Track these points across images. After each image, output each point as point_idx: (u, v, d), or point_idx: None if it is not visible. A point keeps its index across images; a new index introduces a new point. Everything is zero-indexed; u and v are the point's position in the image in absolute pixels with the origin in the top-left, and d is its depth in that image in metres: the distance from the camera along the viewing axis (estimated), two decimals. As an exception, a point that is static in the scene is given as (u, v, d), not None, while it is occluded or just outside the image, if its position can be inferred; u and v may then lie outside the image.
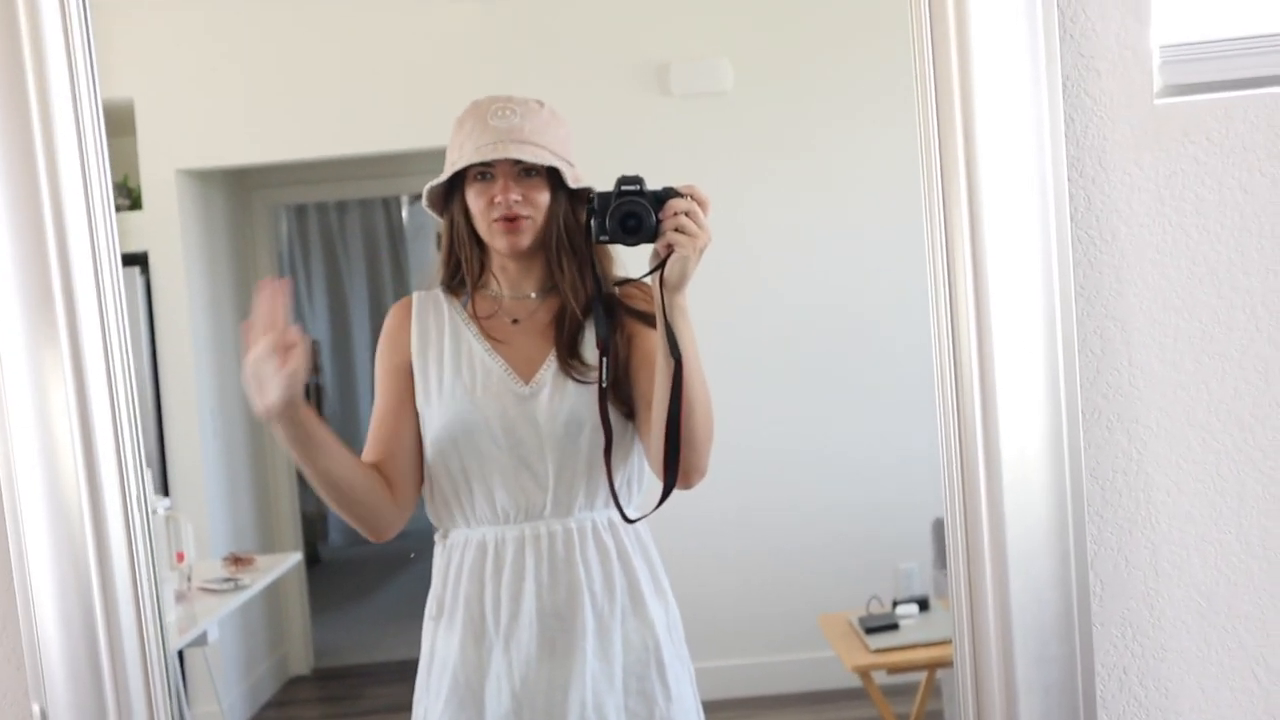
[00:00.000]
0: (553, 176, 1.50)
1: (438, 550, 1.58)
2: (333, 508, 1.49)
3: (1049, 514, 0.96)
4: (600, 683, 1.50)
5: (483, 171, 1.49)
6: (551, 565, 1.51)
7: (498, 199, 1.48)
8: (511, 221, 1.49)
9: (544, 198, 1.49)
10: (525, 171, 1.49)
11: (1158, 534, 1.02)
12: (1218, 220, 1.01)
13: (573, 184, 1.49)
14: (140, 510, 1.01)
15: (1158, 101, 1.01)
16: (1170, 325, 1.01)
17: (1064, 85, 0.98)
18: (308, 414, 1.36)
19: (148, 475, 1.01)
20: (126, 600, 1.01)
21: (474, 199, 1.51)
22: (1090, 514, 1.00)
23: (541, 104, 1.52)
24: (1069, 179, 0.98)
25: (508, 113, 1.49)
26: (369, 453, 1.53)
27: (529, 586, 1.50)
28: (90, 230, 0.98)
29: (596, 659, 1.51)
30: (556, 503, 1.51)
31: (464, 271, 1.56)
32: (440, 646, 1.56)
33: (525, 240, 1.50)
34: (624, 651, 1.53)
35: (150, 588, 1.00)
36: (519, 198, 1.48)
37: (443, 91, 3.66)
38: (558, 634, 1.50)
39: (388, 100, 3.79)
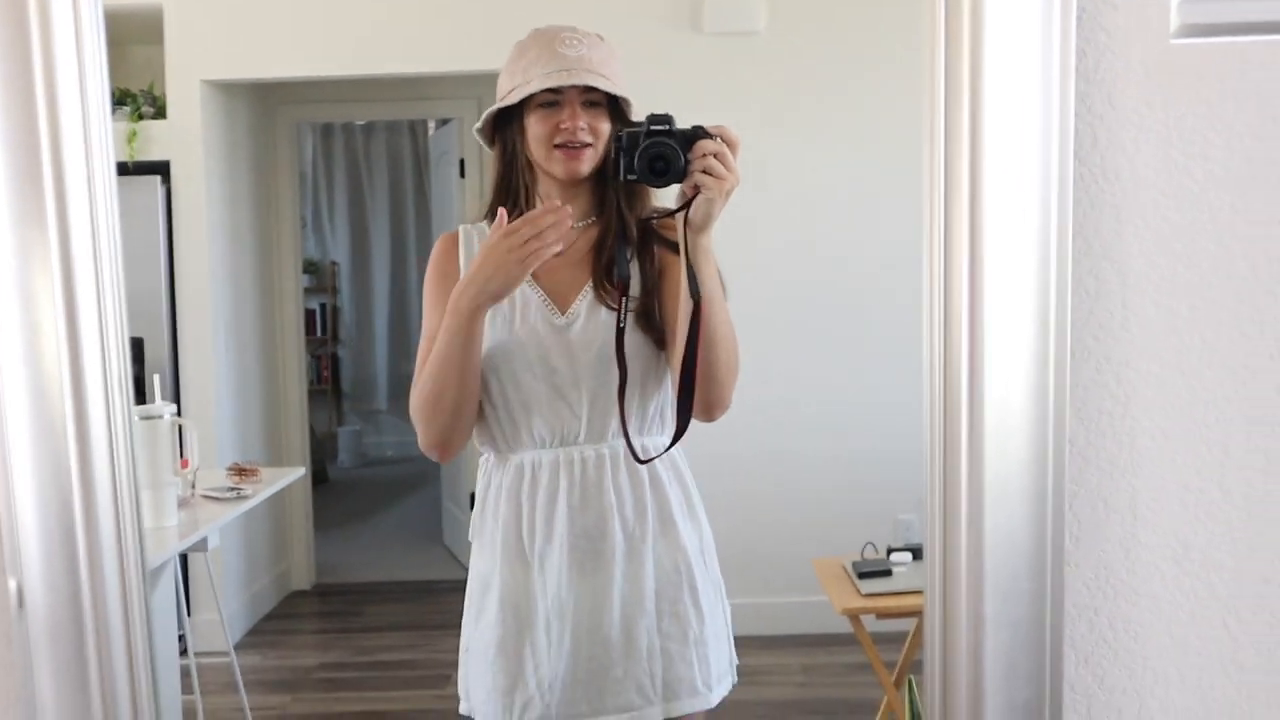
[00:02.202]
0: (611, 107, 1.52)
1: (480, 474, 1.61)
2: (444, 413, 1.50)
3: (1029, 450, 0.95)
4: (630, 604, 1.53)
5: (548, 100, 1.50)
6: (584, 489, 1.53)
7: (564, 125, 1.50)
8: (575, 149, 1.50)
9: (606, 127, 1.52)
10: (590, 101, 1.50)
11: (1139, 479, 1.01)
12: (1224, 166, 0.99)
13: (632, 117, 1.51)
14: (121, 394, 1.01)
15: (1173, 41, 0.99)
16: (1168, 269, 1.00)
17: (1078, 18, 0.96)
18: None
19: (129, 363, 1.01)
20: (104, 487, 1.01)
21: (537, 124, 1.52)
22: (1072, 454, 1.00)
23: (602, 38, 1.53)
24: (1076, 114, 0.97)
25: (575, 42, 1.50)
26: None
27: (561, 509, 1.53)
28: (84, 126, 0.97)
29: (626, 580, 1.53)
30: (590, 429, 1.53)
31: (514, 200, 1.57)
32: (482, 567, 1.60)
33: (585, 168, 1.52)
34: (655, 574, 1.55)
35: (128, 467, 1.00)
36: (585, 125, 1.49)
37: (475, 18, 3.64)
38: (588, 555, 1.52)
39: (419, 23, 3.78)
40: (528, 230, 1.39)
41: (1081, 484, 1.01)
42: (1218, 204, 1.00)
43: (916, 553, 2.92)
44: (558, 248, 1.40)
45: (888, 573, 2.84)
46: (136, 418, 1.23)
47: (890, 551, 2.92)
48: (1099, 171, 0.99)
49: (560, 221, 1.39)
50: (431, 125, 6.42)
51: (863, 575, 2.82)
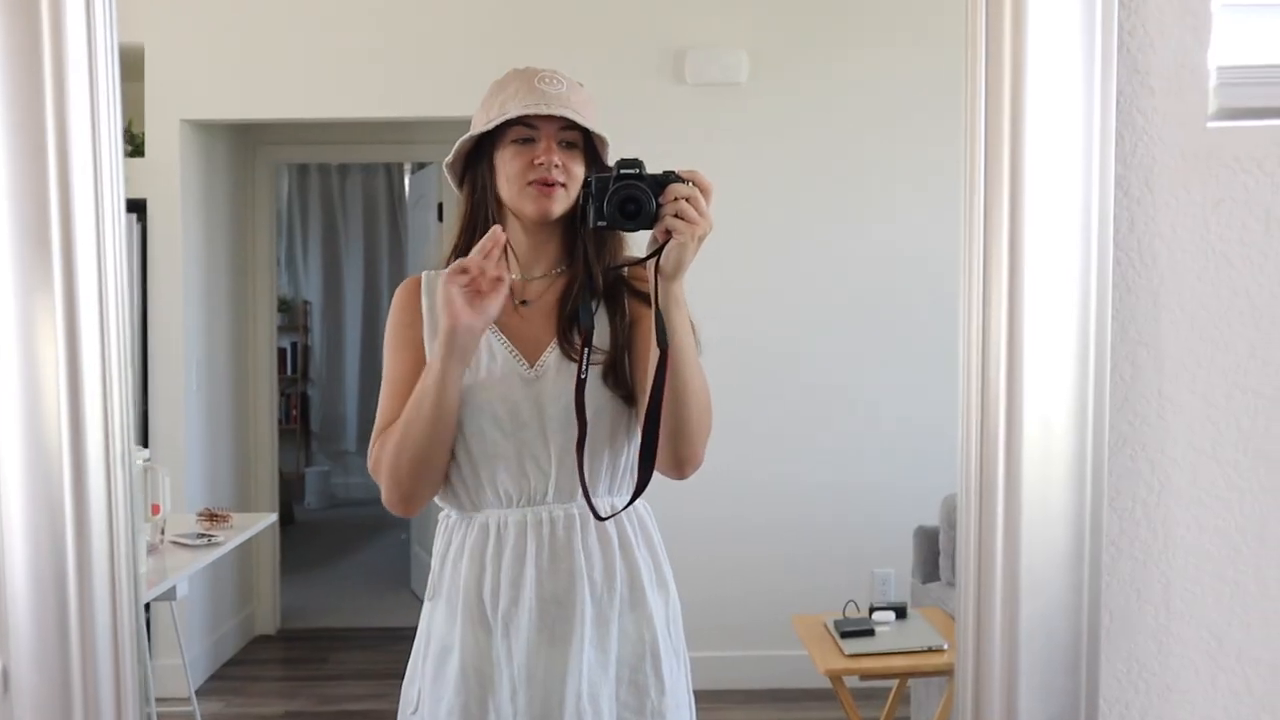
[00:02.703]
0: (588, 154, 1.49)
1: (439, 532, 1.55)
2: (413, 460, 1.44)
3: (1066, 541, 0.93)
4: (595, 671, 1.48)
5: (524, 135, 1.47)
6: (553, 550, 1.48)
7: (539, 160, 1.45)
8: (548, 186, 1.46)
9: (580, 172, 1.48)
10: (566, 142, 1.47)
11: (1173, 569, 0.99)
12: (1262, 251, 0.98)
13: (607, 161, 1.48)
14: (123, 467, 0.97)
15: (1210, 124, 0.97)
16: (1205, 356, 0.98)
17: (1117, 101, 0.95)
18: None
19: (131, 428, 0.97)
20: (101, 558, 0.97)
21: (510, 160, 1.47)
22: (1105, 543, 0.97)
23: (582, 85, 1.50)
24: (1113, 198, 0.95)
25: (556, 81, 1.47)
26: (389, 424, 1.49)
27: (529, 572, 1.47)
28: (95, 172, 0.94)
29: (593, 648, 1.48)
30: (559, 487, 1.48)
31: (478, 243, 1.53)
32: (438, 629, 1.53)
33: (557, 208, 1.47)
34: (620, 642, 1.50)
35: (126, 548, 0.96)
36: (559, 163, 1.45)
37: (455, 64, 3.63)
38: (557, 621, 1.47)
39: (398, 68, 3.76)
40: (474, 261, 1.36)
41: (1114, 574, 0.98)
42: (1255, 289, 0.98)
43: (900, 612, 2.89)
44: (501, 274, 1.37)
45: (870, 632, 2.80)
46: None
47: (873, 610, 2.89)
48: (1135, 256, 0.97)
49: (497, 242, 1.36)
50: (408, 168, 6.40)
51: (845, 635, 2.78)
